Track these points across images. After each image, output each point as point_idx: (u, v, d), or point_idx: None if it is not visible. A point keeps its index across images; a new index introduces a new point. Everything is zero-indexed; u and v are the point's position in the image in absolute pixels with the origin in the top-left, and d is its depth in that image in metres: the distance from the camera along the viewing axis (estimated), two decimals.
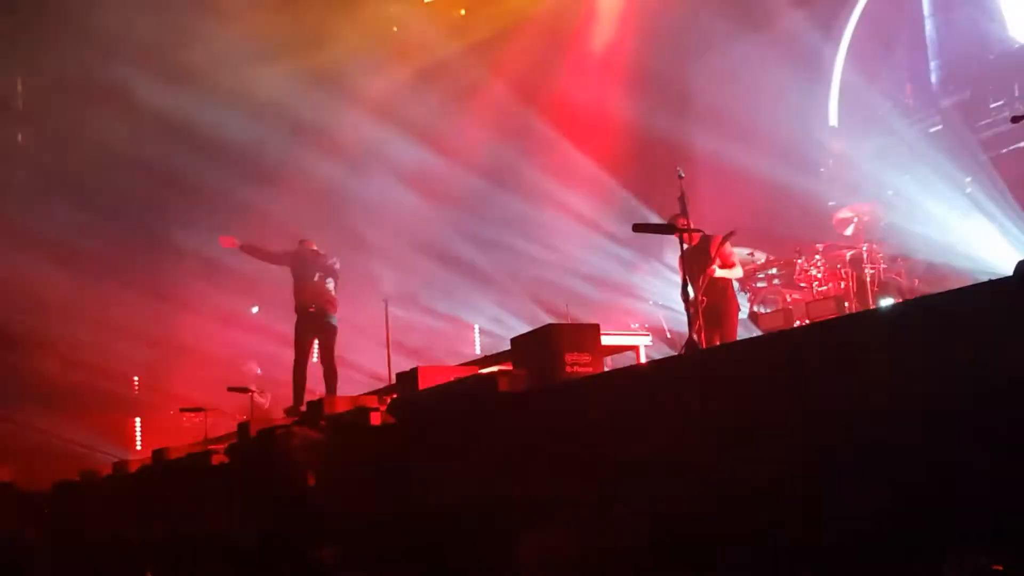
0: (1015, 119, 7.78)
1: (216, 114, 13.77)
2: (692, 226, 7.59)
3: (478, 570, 5.11)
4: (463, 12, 15.06)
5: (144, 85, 13.59)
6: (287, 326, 11.08)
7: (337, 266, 10.80)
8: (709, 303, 8.05)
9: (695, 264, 8.11)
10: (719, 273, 8.44)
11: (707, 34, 13.40)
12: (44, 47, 14.23)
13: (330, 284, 10.72)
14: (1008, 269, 3.48)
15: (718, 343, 8.15)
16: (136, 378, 16.01)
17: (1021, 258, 3.44)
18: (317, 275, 10.65)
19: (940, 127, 11.86)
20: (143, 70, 13.63)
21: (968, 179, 10.89)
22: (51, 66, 14.33)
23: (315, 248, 10.85)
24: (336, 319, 10.73)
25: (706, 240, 8.49)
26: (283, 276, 11.07)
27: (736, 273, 8.86)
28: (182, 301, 14.93)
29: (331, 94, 14.19)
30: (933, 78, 12.29)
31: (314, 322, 10.69)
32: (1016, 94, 11.19)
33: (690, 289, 7.45)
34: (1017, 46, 11.42)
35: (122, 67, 13.57)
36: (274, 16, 13.50)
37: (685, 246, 7.59)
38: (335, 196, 15.17)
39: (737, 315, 8.80)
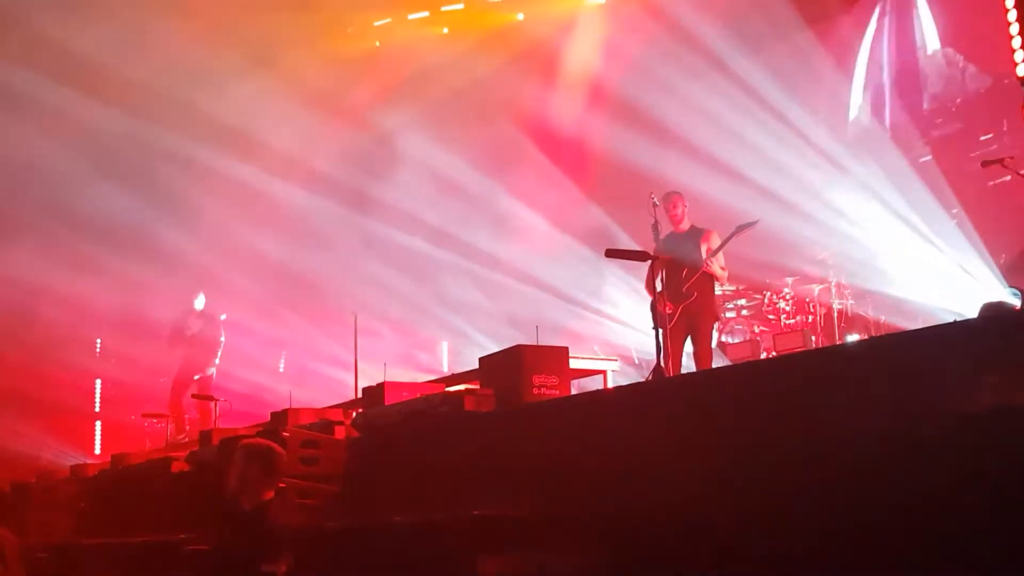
0: (985, 163, 7.94)
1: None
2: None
3: None
4: (445, 30, 15.02)
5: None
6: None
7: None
8: (692, 301, 7.68)
9: (679, 255, 7.72)
10: (715, 269, 7.86)
11: (688, 64, 13.43)
12: None
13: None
14: (974, 310, 3.53)
15: (693, 350, 7.90)
16: (99, 381, 15.78)
17: (986, 300, 3.49)
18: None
19: (929, 158, 11.87)
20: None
21: (954, 211, 10.90)
22: None
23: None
24: None
25: (697, 232, 8.08)
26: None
27: (723, 278, 8.28)
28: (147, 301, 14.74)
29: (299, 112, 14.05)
30: (925, 108, 12.33)
31: None
32: (1004, 128, 11.28)
33: (658, 283, 7.26)
34: (1007, 82, 11.51)
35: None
36: (237, 30, 13.21)
37: (663, 235, 7.47)
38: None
39: (714, 324, 8.36)
